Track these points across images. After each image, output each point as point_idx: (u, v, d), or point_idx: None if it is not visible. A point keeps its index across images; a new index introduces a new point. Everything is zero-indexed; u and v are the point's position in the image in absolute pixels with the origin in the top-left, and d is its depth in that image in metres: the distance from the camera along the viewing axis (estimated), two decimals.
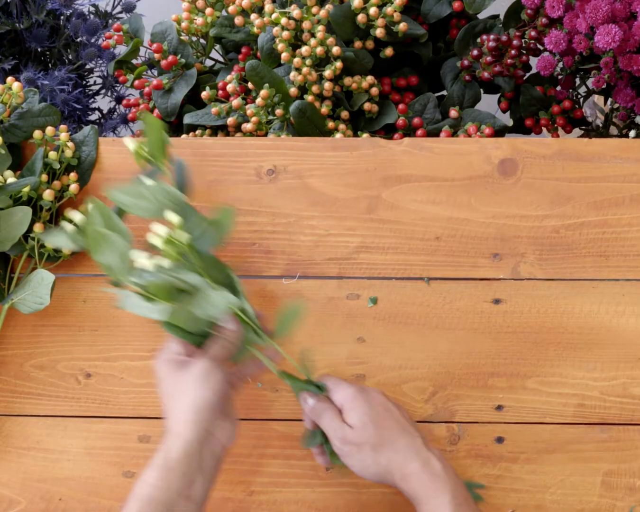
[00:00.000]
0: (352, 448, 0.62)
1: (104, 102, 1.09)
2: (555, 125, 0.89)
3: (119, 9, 1.03)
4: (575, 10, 0.77)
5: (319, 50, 0.81)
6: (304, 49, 0.81)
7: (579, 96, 0.91)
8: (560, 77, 0.88)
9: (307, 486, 0.72)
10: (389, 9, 0.81)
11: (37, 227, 0.70)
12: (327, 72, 0.82)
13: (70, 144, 0.73)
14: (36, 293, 0.70)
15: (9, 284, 0.73)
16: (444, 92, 0.91)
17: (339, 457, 0.63)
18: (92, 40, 1.00)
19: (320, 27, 0.81)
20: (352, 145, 0.74)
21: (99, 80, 1.07)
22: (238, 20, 0.86)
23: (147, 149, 0.66)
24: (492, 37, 0.83)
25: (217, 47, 0.97)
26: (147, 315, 0.63)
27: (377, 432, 0.61)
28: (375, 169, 0.73)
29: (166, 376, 0.61)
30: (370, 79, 0.85)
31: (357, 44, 0.85)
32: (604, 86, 0.81)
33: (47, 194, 0.70)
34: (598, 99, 1.10)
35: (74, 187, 0.72)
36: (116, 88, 1.06)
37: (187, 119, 0.88)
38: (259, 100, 0.82)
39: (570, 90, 0.90)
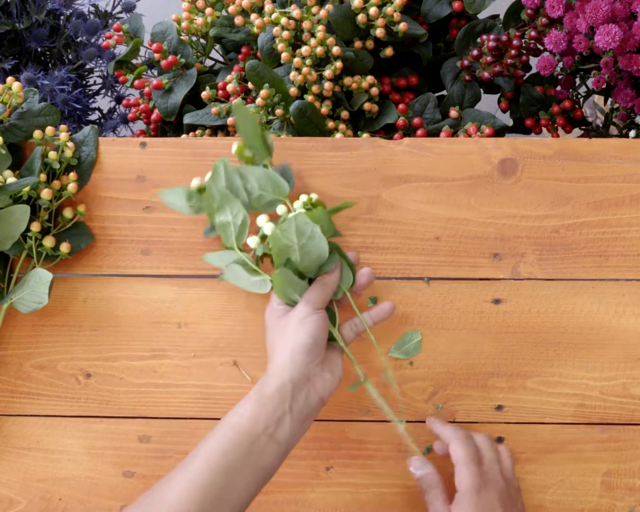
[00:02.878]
0: None
1: (104, 102, 1.09)
2: (555, 125, 0.89)
3: (119, 9, 1.03)
4: (575, 10, 0.78)
5: (319, 50, 0.81)
6: (304, 49, 0.81)
7: (579, 96, 0.91)
8: (560, 77, 0.88)
9: (307, 486, 0.72)
10: (389, 9, 0.81)
11: (35, 226, 0.70)
12: (327, 72, 0.82)
13: (70, 144, 0.73)
14: (35, 292, 0.69)
15: (8, 283, 0.73)
16: (444, 92, 0.91)
17: None
18: (92, 40, 1.00)
19: (320, 27, 0.81)
20: (352, 145, 0.74)
21: (99, 80, 1.07)
22: (238, 20, 0.86)
23: (246, 145, 0.68)
24: (492, 37, 0.83)
25: (217, 47, 0.97)
26: (246, 287, 0.68)
27: None
28: (375, 169, 0.73)
29: (270, 325, 0.64)
30: (370, 79, 0.85)
31: (357, 44, 0.85)
32: (604, 86, 0.81)
33: (45, 193, 0.70)
34: (598, 99, 1.10)
35: (72, 186, 0.72)
36: (116, 88, 1.06)
37: (187, 119, 0.88)
38: (259, 100, 0.82)
39: (570, 90, 0.90)
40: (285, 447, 0.57)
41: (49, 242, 0.71)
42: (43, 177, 0.71)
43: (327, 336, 0.62)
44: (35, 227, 0.70)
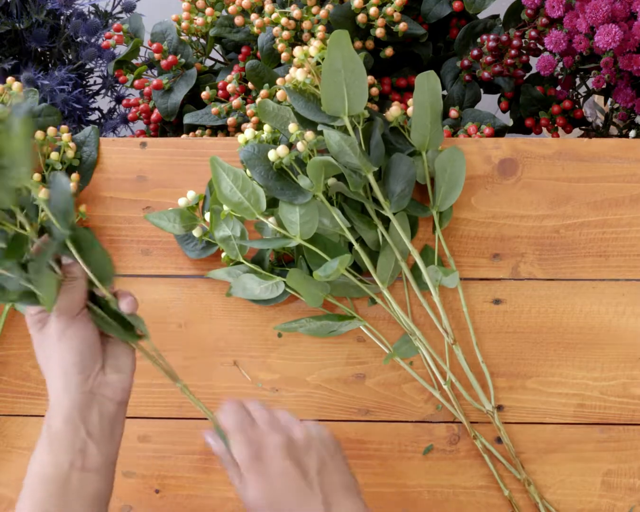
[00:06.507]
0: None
1: (104, 102, 1.09)
2: (555, 125, 0.89)
3: (119, 8, 1.03)
4: (575, 10, 0.77)
5: None
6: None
7: (579, 96, 0.91)
8: (560, 77, 0.88)
9: None
10: (389, 9, 0.81)
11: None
12: None
13: (72, 144, 0.73)
14: None
15: None
16: (444, 92, 0.91)
17: None
18: (92, 40, 1.00)
19: (320, 27, 0.81)
20: None
21: (99, 80, 1.07)
22: (238, 20, 0.86)
23: None
24: (492, 37, 0.83)
25: (217, 47, 0.97)
26: (257, 297, 0.70)
27: (273, 508, 0.54)
28: None
29: (34, 339, 0.55)
30: (370, 79, 0.85)
31: (357, 44, 0.85)
32: (604, 86, 0.81)
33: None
34: (598, 99, 1.10)
35: (72, 186, 0.72)
36: (116, 88, 1.06)
37: (187, 119, 0.88)
38: (259, 100, 0.82)
39: (570, 90, 0.90)
40: (104, 468, 0.53)
41: None
42: (38, 176, 0.71)
43: (97, 338, 0.54)
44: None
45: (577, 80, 0.89)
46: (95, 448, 0.52)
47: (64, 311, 0.52)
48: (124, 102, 0.97)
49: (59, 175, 0.51)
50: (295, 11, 0.82)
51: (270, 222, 0.67)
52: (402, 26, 0.82)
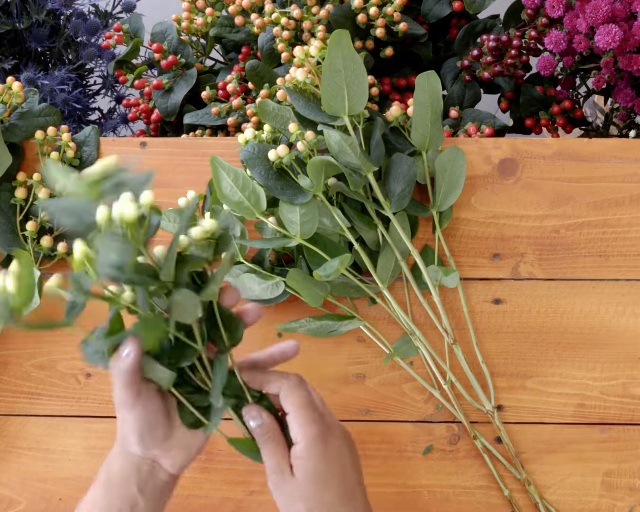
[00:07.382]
0: (283, 494, 0.53)
1: (104, 102, 1.09)
2: (555, 125, 0.89)
3: (119, 8, 1.03)
4: (575, 10, 0.78)
5: None
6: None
7: (579, 96, 0.91)
8: (560, 77, 0.88)
9: None
10: (389, 9, 0.81)
11: (31, 226, 0.70)
12: None
13: (72, 144, 0.73)
14: None
15: None
16: (444, 92, 0.91)
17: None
18: (92, 40, 1.00)
19: (320, 27, 0.81)
20: None
21: (99, 80, 1.07)
22: (238, 20, 0.86)
23: None
24: (492, 37, 0.83)
25: (217, 47, 0.97)
26: (257, 297, 0.69)
27: (319, 494, 0.52)
28: None
29: (114, 386, 0.54)
30: (370, 78, 0.85)
31: (357, 44, 0.85)
32: (604, 86, 0.81)
33: (43, 193, 0.70)
34: (598, 99, 1.10)
35: None
36: (116, 88, 1.06)
37: (187, 119, 0.88)
38: (259, 100, 0.82)
39: (570, 90, 0.90)
40: None
41: (46, 241, 0.71)
42: (38, 176, 0.71)
43: (161, 419, 0.53)
44: (31, 226, 0.70)
45: (577, 80, 0.89)
46: (144, 507, 0.54)
47: (124, 380, 0.51)
48: (124, 102, 0.97)
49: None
50: (295, 11, 0.82)
51: (270, 221, 0.67)
52: (402, 26, 0.82)
